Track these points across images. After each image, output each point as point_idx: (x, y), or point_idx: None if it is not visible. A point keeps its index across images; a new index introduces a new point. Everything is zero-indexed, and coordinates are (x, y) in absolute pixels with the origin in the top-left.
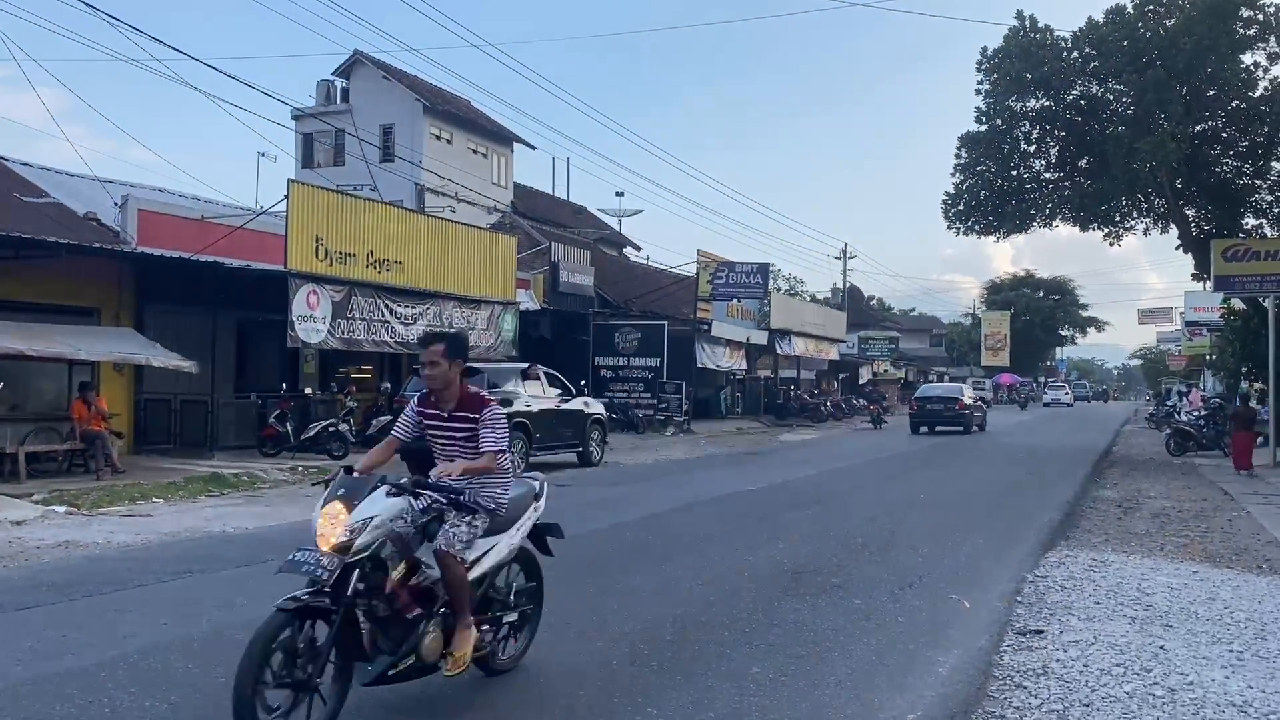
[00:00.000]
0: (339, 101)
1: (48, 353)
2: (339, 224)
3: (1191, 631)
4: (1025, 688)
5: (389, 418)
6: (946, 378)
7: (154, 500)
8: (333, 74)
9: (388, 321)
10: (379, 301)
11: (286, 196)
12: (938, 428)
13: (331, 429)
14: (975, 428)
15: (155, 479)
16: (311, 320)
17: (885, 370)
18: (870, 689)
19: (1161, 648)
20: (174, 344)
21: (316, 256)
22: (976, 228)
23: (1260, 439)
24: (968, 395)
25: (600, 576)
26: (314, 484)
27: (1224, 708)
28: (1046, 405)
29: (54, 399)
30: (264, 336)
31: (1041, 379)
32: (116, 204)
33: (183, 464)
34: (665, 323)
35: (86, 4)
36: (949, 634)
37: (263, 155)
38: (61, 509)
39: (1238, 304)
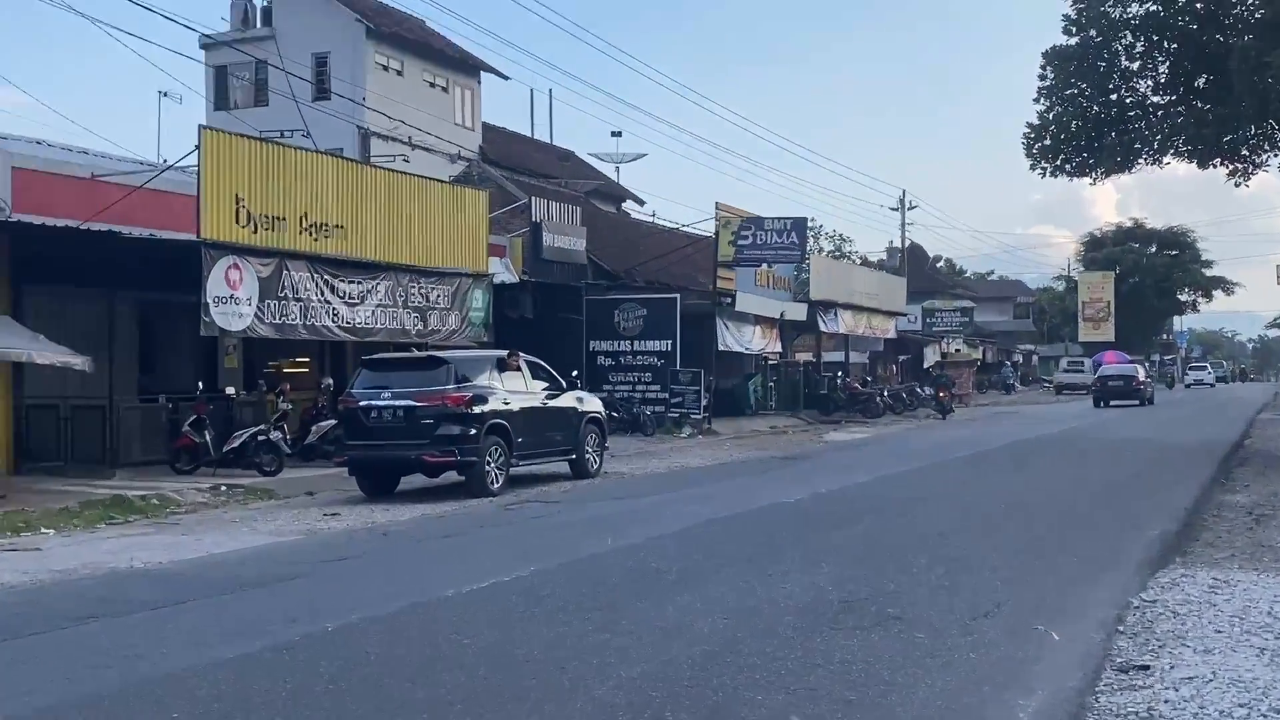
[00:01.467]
0: (259, 25)
1: None
2: (264, 180)
3: None
4: None
5: (332, 422)
6: (1037, 356)
7: (43, 531)
8: None
9: (329, 302)
10: (317, 277)
11: (198, 147)
12: (1113, 402)
13: (261, 438)
14: (1147, 401)
15: (43, 504)
16: (233, 302)
17: (957, 350)
18: None
19: None
20: (61, 335)
21: (237, 222)
22: (1068, 167)
23: None
24: (1141, 374)
25: (601, 611)
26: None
27: None
28: (1188, 386)
29: None
30: (174, 324)
31: (1157, 356)
32: None
33: (77, 485)
34: (677, 296)
35: None
36: (1033, 672)
37: (165, 95)
38: None
39: None
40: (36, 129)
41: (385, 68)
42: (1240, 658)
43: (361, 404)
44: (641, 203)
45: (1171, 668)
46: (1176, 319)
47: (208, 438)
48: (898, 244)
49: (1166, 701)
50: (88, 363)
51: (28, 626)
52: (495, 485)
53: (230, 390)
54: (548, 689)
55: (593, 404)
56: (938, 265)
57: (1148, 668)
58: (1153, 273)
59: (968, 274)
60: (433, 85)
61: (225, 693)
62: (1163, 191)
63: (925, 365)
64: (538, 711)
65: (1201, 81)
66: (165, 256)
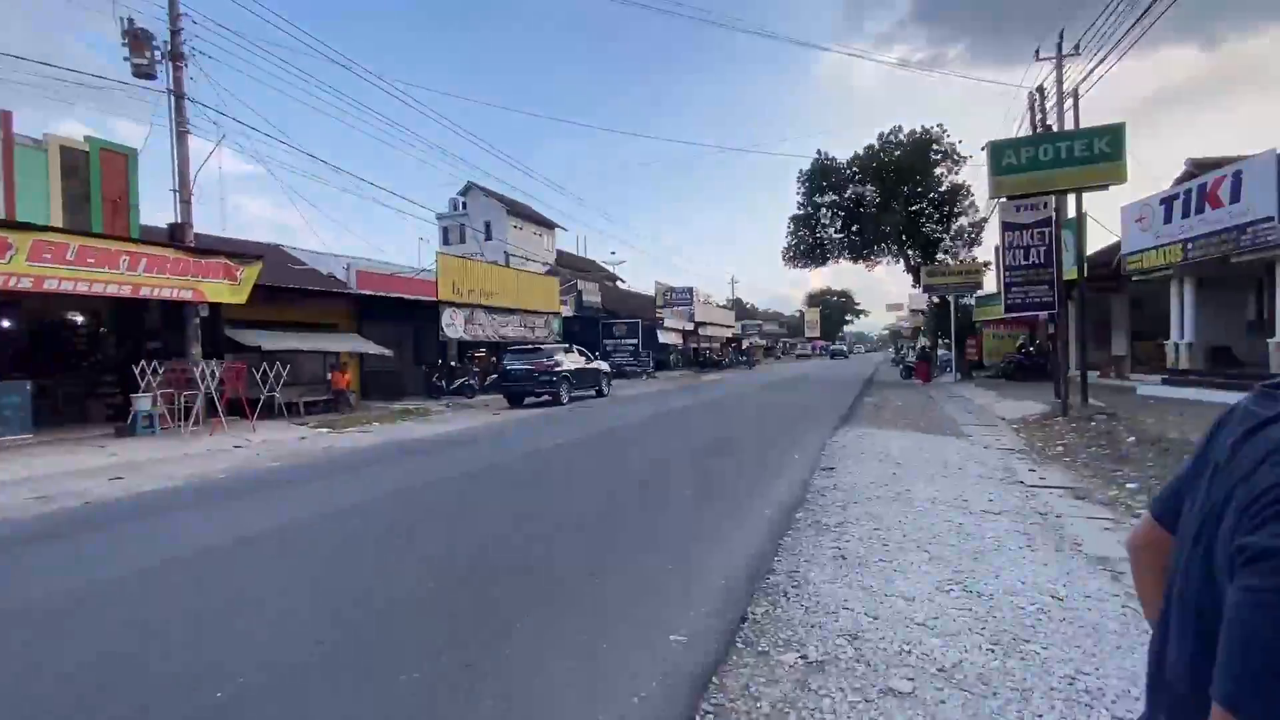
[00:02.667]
0: (461, 208)
1: (313, 347)
2: (465, 274)
3: (910, 466)
4: (824, 495)
5: (496, 375)
6: (788, 344)
7: (374, 424)
8: (457, 194)
9: (494, 325)
10: (489, 315)
11: (435, 262)
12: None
13: (467, 383)
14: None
15: (374, 413)
16: (453, 326)
17: (756, 341)
18: (747, 501)
19: (894, 474)
20: (380, 342)
21: (453, 292)
22: (800, 265)
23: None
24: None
25: (611, 451)
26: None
27: (925, 501)
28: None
29: (317, 373)
30: (427, 335)
31: (834, 343)
32: (345, 268)
33: (387, 405)
34: (639, 320)
35: (318, 159)
36: (787, 472)
37: (421, 239)
38: (325, 430)
39: (935, 299)
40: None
41: (515, 227)
42: (871, 465)
43: (508, 367)
44: (624, 281)
45: (843, 468)
46: (846, 327)
47: (444, 383)
48: (731, 296)
49: (843, 482)
50: (391, 353)
51: (377, 460)
52: (565, 401)
53: (453, 362)
54: (588, 485)
55: (605, 366)
56: (748, 305)
57: (833, 468)
58: (837, 308)
59: (760, 309)
60: (535, 234)
61: (465, 486)
62: (839, 274)
63: (743, 347)
64: (581, 497)
65: (855, 228)
66: (424, 307)
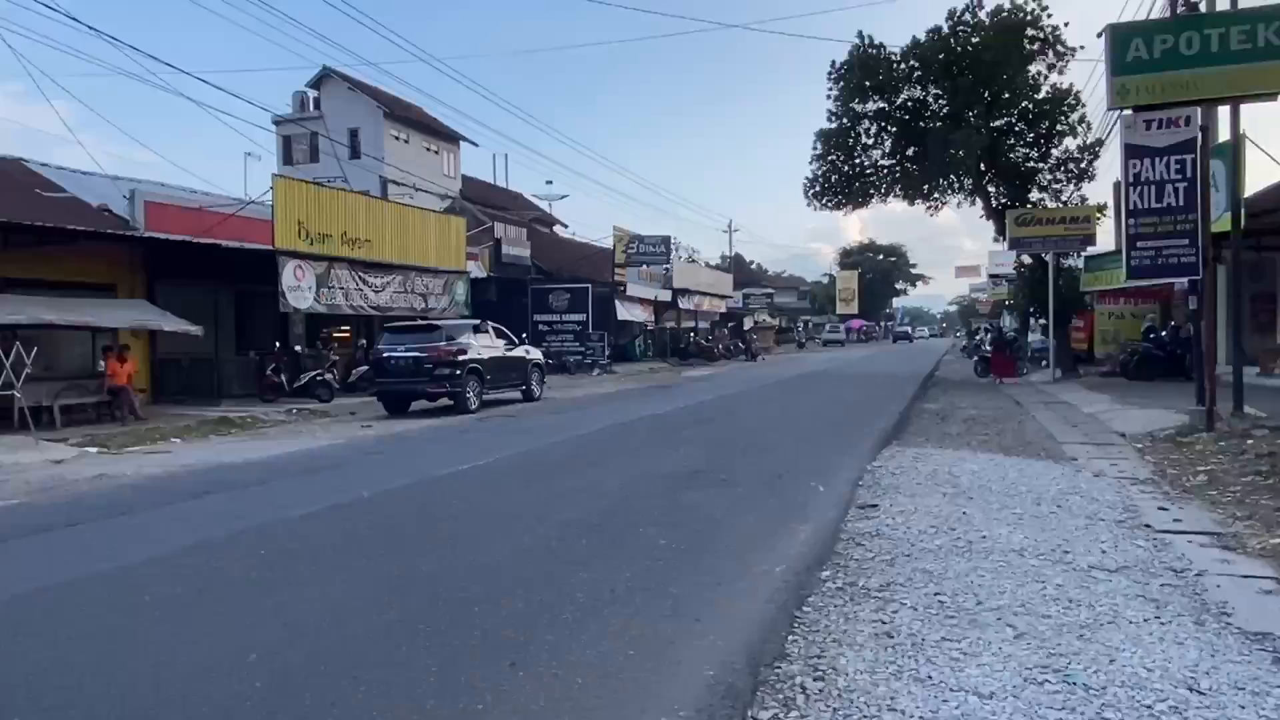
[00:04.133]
0: (312, 109)
1: (74, 321)
2: (317, 210)
3: (986, 502)
4: (863, 545)
5: (365, 368)
6: (811, 324)
7: (172, 440)
8: (306, 86)
9: (361, 289)
10: (353, 273)
11: (271, 189)
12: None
13: (319, 378)
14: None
15: (172, 424)
16: (299, 290)
17: (763, 319)
18: (749, 552)
19: (964, 514)
20: (182, 313)
21: (299, 237)
22: (829, 204)
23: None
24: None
25: (542, 481)
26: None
27: (1007, 552)
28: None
29: (82, 361)
30: (260, 305)
31: (884, 323)
32: (125, 197)
33: (195, 411)
34: (589, 285)
35: (91, 28)
36: (808, 510)
37: (249, 155)
38: (94, 450)
39: (1026, 259)
40: (162, 177)
41: (397, 138)
42: (931, 499)
43: (385, 354)
44: (566, 226)
45: (891, 505)
46: (895, 299)
47: (283, 378)
48: (728, 253)
49: (888, 525)
50: (200, 330)
51: (163, 499)
52: (473, 406)
53: (298, 347)
54: (508, 529)
55: (535, 354)
56: (752, 266)
57: (876, 505)
58: (881, 271)
59: (769, 272)
60: (428, 149)
61: (295, 536)
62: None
63: (745, 329)
64: (501, 541)
65: (911, 151)
66: (253, 260)
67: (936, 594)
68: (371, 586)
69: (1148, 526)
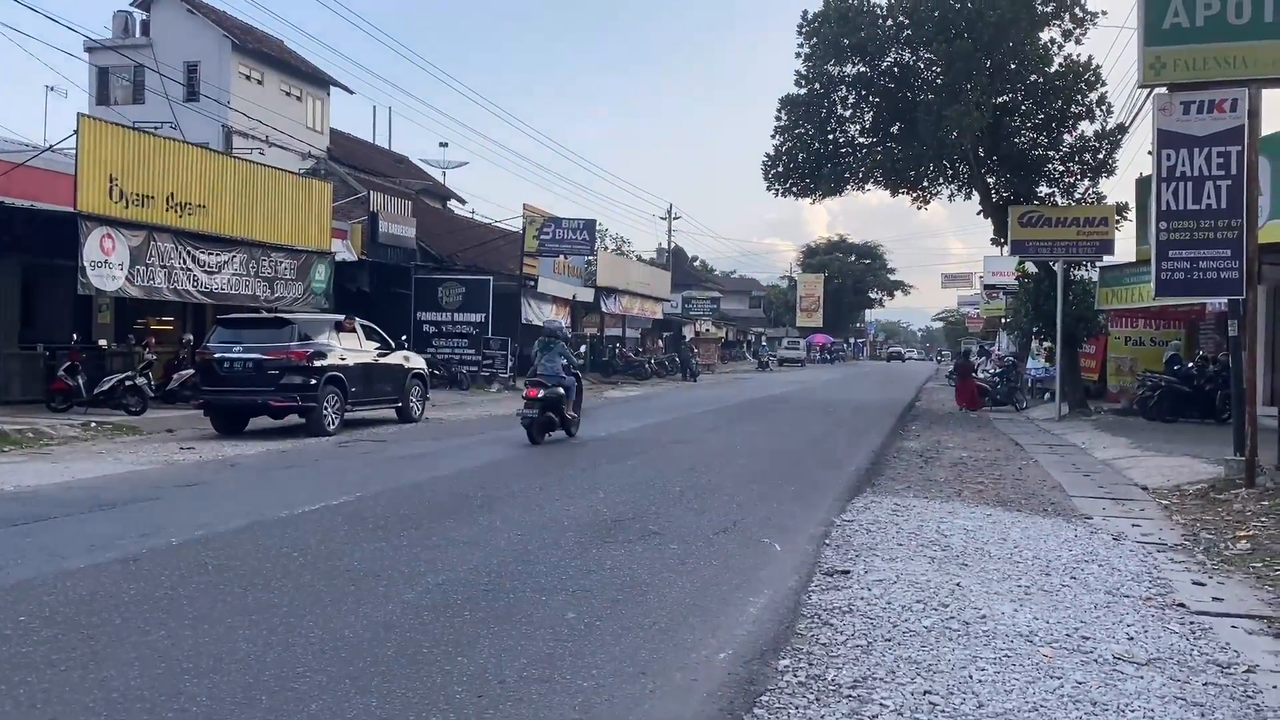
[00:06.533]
0: (139, 34)
1: None
2: (136, 164)
3: (984, 569)
4: (832, 625)
5: (191, 371)
6: (765, 337)
7: None
8: (131, 4)
9: (190, 269)
10: (181, 247)
11: (76, 132)
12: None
13: (129, 383)
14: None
15: None
16: (106, 266)
17: (707, 330)
18: (683, 630)
19: (958, 585)
20: None
21: (111, 198)
22: (794, 189)
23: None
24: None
25: (413, 530)
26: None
27: (1012, 638)
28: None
29: None
30: (53, 284)
31: (854, 340)
32: None
33: None
34: (490, 278)
35: None
36: (760, 576)
37: (52, 89)
38: None
39: (1030, 268)
40: None
41: (248, 77)
42: (916, 564)
43: (216, 356)
44: (463, 201)
45: (866, 572)
46: (867, 311)
47: (80, 382)
48: (665, 245)
49: (863, 599)
50: None
51: None
52: (332, 426)
53: (103, 342)
54: (364, 594)
55: (417, 362)
56: (695, 264)
57: (848, 572)
58: (852, 276)
59: (716, 272)
60: (288, 94)
61: (73, 599)
62: (862, 213)
63: (685, 340)
64: (355, 613)
65: (896, 128)
66: (47, 226)
67: (926, 693)
68: (152, 679)
69: (1181, 606)
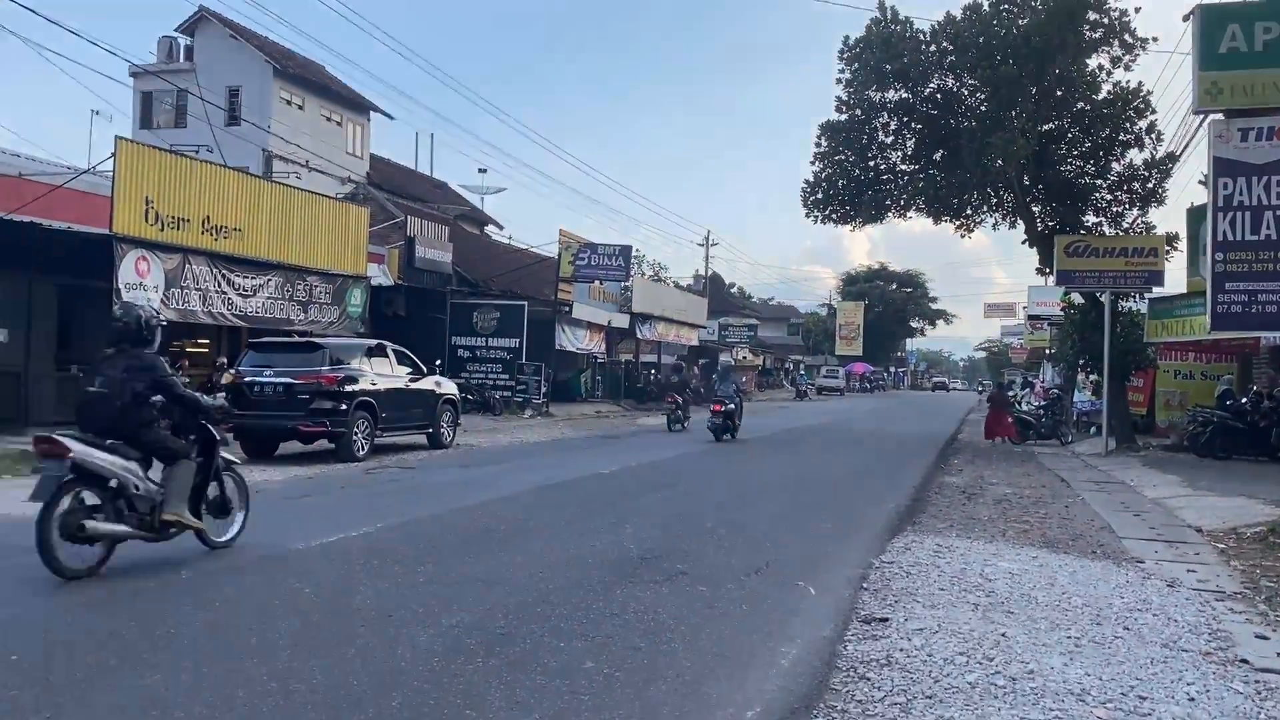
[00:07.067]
0: (182, 60)
1: None
2: (172, 187)
3: (1031, 618)
4: (869, 679)
5: (223, 395)
6: (804, 365)
7: None
8: (176, 30)
9: (225, 292)
10: (216, 270)
11: (114, 155)
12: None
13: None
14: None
15: None
16: (141, 289)
17: (744, 357)
18: (710, 683)
19: (1003, 635)
20: None
21: (146, 220)
22: (834, 216)
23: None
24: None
25: (431, 565)
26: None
27: (1063, 696)
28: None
29: None
30: (89, 306)
31: (894, 369)
32: None
33: None
34: (525, 303)
35: None
36: (793, 622)
37: (97, 114)
38: None
39: (1076, 298)
40: None
41: (289, 102)
42: (959, 611)
43: (247, 379)
44: (500, 227)
45: (905, 620)
46: (909, 340)
47: None
48: (702, 272)
49: (902, 650)
50: (3, 334)
51: None
52: (361, 452)
53: None
54: (374, 635)
55: (449, 387)
56: (732, 290)
57: (887, 620)
58: (893, 304)
59: (754, 299)
60: (329, 119)
61: (62, 639)
62: (903, 241)
63: (721, 365)
64: (362, 656)
65: (938, 155)
66: (83, 247)
67: None
68: None
69: (1244, 662)
